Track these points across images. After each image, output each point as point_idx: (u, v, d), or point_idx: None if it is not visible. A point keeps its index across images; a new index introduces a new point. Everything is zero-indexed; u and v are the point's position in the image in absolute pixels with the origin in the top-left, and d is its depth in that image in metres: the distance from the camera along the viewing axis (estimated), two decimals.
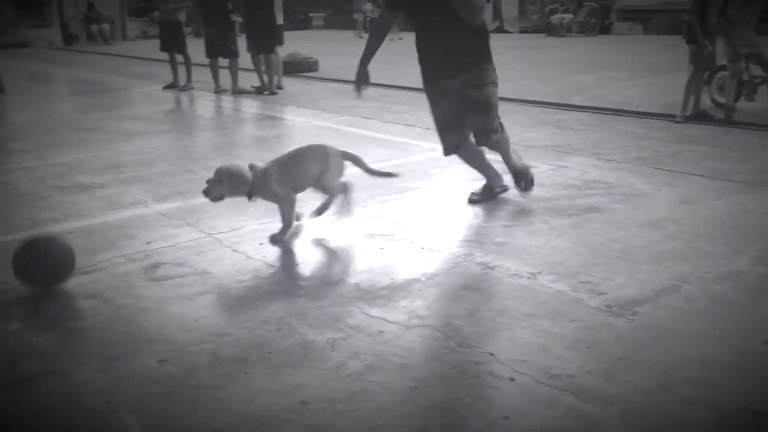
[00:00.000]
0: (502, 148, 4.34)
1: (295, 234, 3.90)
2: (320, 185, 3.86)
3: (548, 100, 8.64)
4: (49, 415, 2.26)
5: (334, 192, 3.90)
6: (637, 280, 3.17)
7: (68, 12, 25.48)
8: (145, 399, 2.32)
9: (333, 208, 3.97)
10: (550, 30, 21.72)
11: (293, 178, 3.78)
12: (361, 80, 4.11)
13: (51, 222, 4.29)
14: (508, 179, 4.54)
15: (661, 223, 3.95)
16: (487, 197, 4.43)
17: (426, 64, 4.13)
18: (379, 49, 4.19)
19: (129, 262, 3.56)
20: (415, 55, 4.19)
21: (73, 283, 3.30)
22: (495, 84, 4.10)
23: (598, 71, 11.44)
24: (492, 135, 4.15)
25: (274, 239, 3.76)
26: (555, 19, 21.94)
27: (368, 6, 24.00)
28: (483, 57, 4.04)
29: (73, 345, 2.72)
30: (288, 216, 3.80)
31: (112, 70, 14.62)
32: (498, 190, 4.47)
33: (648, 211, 4.18)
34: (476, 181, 4.58)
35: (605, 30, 22.26)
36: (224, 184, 3.67)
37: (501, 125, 4.22)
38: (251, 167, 3.76)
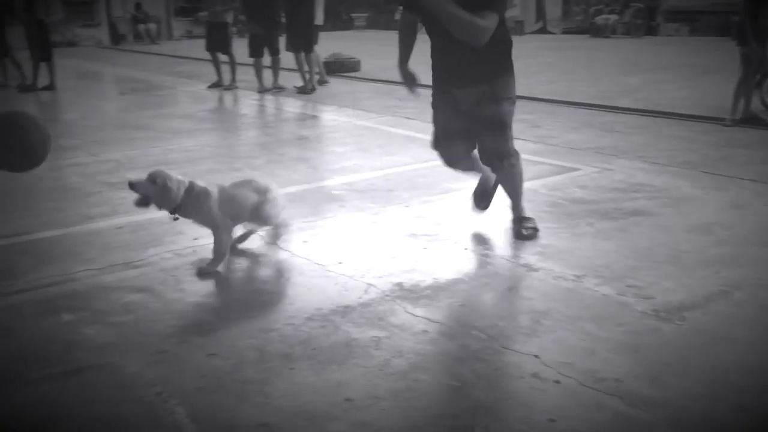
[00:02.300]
0: (513, 182, 3.85)
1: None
2: (260, 217, 3.56)
3: (593, 102, 8.54)
4: (101, 405, 2.32)
5: (276, 221, 3.62)
6: (685, 285, 3.12)
7: (116, 12, 26.01)
8: (194, 391, 2.36)
9: (281, 235, 3.71)
10: (594, 31, 21.45)
11: (233, 205, 3.47)
12: (409, 80, 3.87)
13: (100, 217, 4.39)
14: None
15: (710, 228, 3.88)
16: (491, 192, 4.07)
17: (439, 72, 3.74)
18: (417, 49, 4.01)
19: (177, 257, 3.63)
20: None
21: (123, 277, 3.39)
22: (513, 101, 3.68)
23: (644, 73, 11.27)
24: (505, 160, 3.70)
25: (203, 272, 3.42)
26: (600, 19, 21.66)
27: None
28: (503, 68, 3.64)
29: (124, 337, 2.78)
30: (222, 246, 3.45)
31: (158, 69, 14.88)
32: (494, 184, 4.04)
33: (696, 216, 4.12)
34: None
35: (651, 31, 21.89)
36: (156, 188, 3.35)
37: (517, 153, 3.75)
38: (190, 184, 3.44)
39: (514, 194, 3.91)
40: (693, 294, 3.03)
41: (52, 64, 10.98)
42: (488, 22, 3.37)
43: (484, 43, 3.39)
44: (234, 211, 3.49)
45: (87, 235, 4.06)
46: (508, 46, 3.66)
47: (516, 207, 3.93)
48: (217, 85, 10.93)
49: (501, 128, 3.66)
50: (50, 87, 10.96)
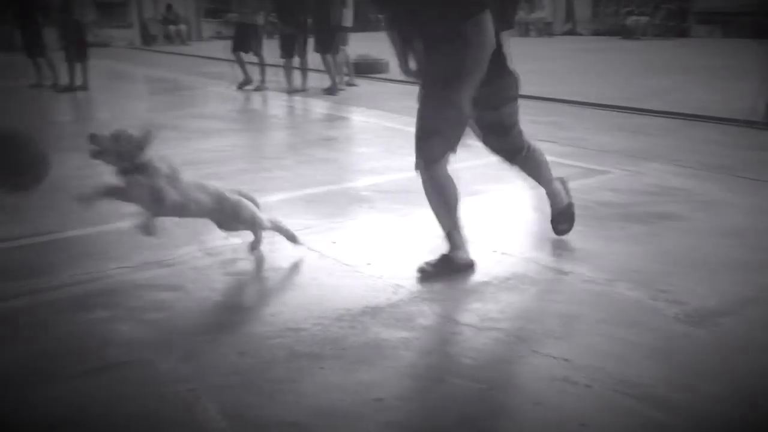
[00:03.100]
0: (535, 168, 3.79)
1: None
2: (242, 223, 3.56)
3: (624, 104, 8.46)
4: (134, 400, 2.35)
5: (260, 225, 3.59)
6: (718, 291, 3.08)
7: (147, 13, 26.41)
8: (226, 389, 2.39)
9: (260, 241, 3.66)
10: (625, 33, 21.26)
11: (187, 192, 3.43)
12: (416, 77, 3.77)
13: (132, 215, 4.44)
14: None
15: (743, 233, 3.83)
16: (443, 269, 3.37)
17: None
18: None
19: (207, 256, 3.67)
20: None
21: (155, 275, 3.44)
22: (514, 100, 3.60)
23: (675, 75, 11.15)
24: (517, 154, 3.71)
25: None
26: (630, 21, 21.46)
27: None
28: (498, 72, 3.43)
29: (157, 334, 2.82)
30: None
31: (188, 70, 15.05)
32: (460, 262, 3.42)
33: (728, 220, 4.06)
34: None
35: (683, 33, 21.64)
36: (119, 144, 3.45)
37: (529, 146, 3.71)
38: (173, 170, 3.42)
39: (541, 178, 3.82)
40: (726, 299, 2.99)
41: (87, 64, 11.16)
42: (486, 34, 3.15)
43: (493, 47, 3.19)
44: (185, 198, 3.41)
45: (119, 234, 4.12)
46: (502, 47, 3.41)
47: (551, 193, 3.82)
48: (245, 84, 11.01)
49: (505, 131, 3.64)
50: (83, 87, 11.14)
